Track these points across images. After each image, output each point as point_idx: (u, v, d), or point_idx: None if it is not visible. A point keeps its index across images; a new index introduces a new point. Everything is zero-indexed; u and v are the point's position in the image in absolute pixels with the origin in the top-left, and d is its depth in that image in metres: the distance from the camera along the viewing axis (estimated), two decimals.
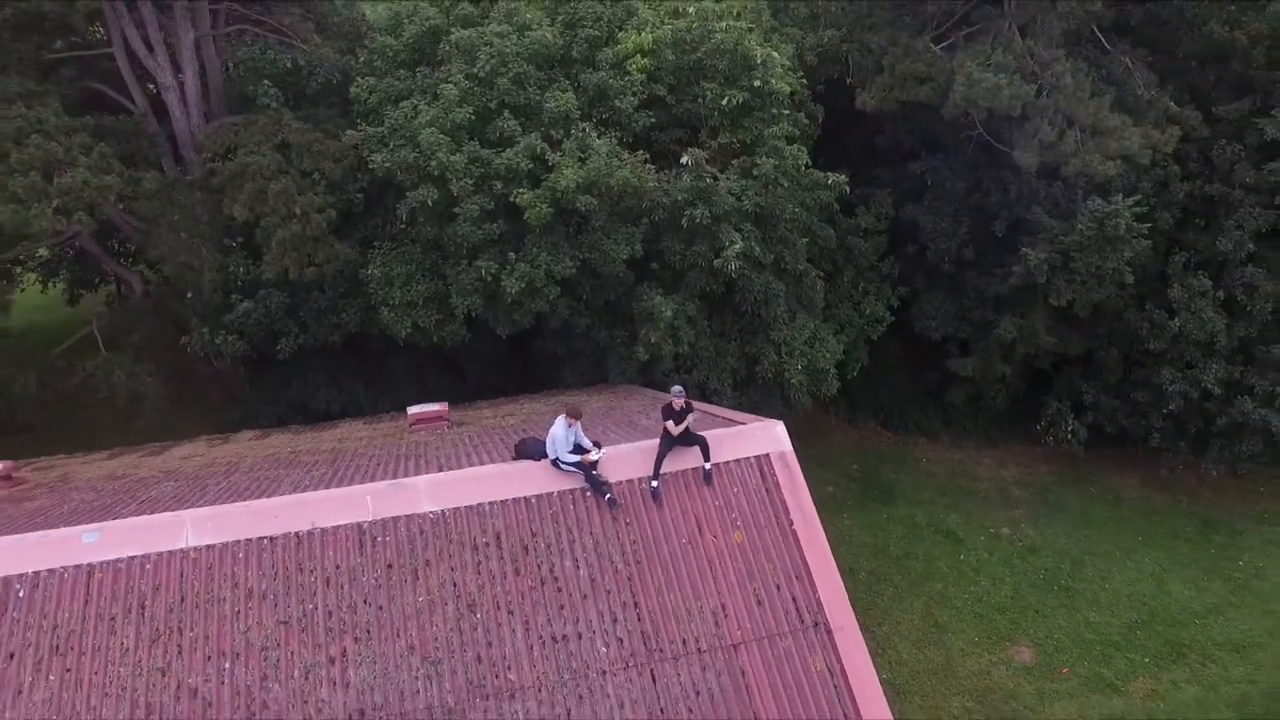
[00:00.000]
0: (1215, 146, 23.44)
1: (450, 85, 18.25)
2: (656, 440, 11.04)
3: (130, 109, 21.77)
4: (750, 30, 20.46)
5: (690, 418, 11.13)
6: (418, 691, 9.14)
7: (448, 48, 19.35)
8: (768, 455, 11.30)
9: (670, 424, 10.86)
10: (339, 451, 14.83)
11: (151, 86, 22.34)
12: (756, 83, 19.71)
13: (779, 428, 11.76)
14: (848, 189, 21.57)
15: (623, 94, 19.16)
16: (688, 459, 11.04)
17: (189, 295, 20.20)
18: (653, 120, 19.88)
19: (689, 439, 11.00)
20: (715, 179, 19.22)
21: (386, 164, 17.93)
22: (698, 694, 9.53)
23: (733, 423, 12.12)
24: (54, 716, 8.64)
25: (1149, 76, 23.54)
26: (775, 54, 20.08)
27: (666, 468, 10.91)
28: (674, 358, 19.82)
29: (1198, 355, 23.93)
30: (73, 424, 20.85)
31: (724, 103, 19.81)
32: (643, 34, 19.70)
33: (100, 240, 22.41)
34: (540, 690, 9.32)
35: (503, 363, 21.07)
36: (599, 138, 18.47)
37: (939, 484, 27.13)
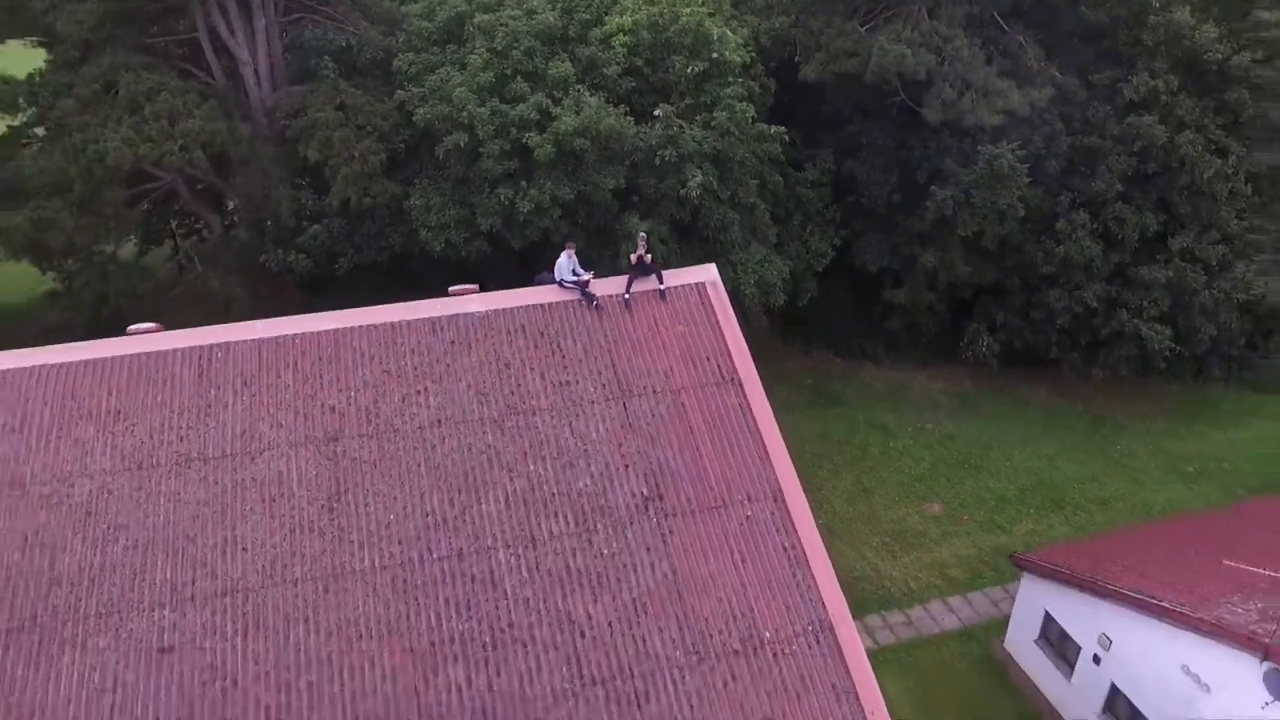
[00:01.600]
0: (1090, 107, 28.92)
1: (475, 56, 23.75)
2: (630, 271, 16.37)
3: (210, 81, 27.26)
4: (711, 14, 25.92)
5: (648, 257, 16.43)
6: (473, 410, 14.45)
7: (472, 29, 24.85)
8: (703, 283, 16.60)
9: (633, 256, 16.22)
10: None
11: (227, 63, 27.80)
12: (714, 55, 25.16)
13: (712, 268, 17.08)
14: (787, 140, 26.90)
15: (609, 64, 24.64)
16: (650, 285, 16.35)
17: (268, 223, 25.63)
18: (633, 85, 25.35)
19: (648, 269, 16.29)
20: (681, 128, 24.67)
21: (428, 115, 23.40)
22: (654, 416, 14.80)
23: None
24: (246, 421, 13.92)
25: (1038, 51, 29.04)
26: (729, 32, 25.51)
27: (635, 289, 16.19)
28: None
29: (1082, 278, 29.32)
30: (178, 324, 26.15)
31: (689, 71, 25.28)
32: (624, 17, 25.20)
33: (189, 188, 27.84)
34: (551, 412, 14.61)
35: (515, 274, 26.42)
36: (590, 97, 23.94)
37: (878, 394, 32.49)
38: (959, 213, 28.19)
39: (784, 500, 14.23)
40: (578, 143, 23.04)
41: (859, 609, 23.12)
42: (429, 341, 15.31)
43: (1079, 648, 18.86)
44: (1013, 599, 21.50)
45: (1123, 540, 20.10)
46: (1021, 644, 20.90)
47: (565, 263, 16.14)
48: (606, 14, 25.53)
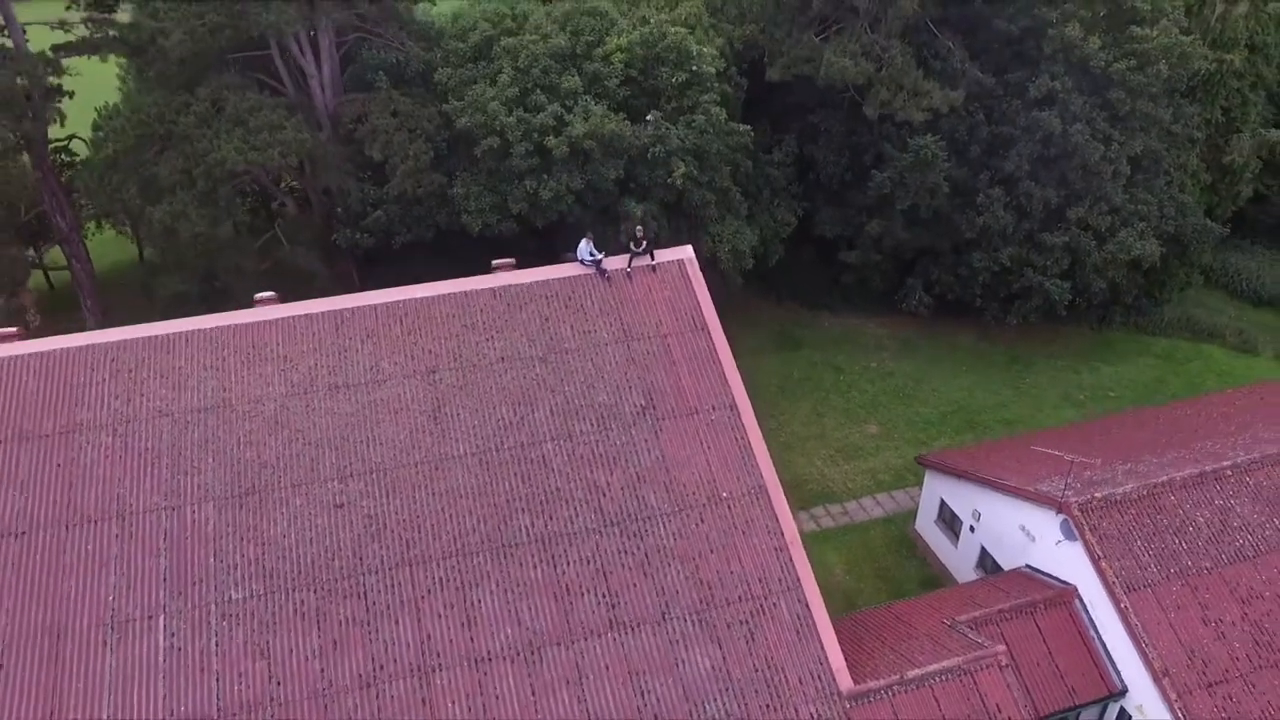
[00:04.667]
0: (1005, 101, 35.11)
1: (504, 75, 29.87)
2: (630, 251, 22.77)
3: (282, 89, 33.31)
4: (691, 31, 31.95)
5: (645, 241, 22.79)
6: (525, 350, 21.02)
7: (499, 50, 30.91)
8: (683, 259, 23.05)
9: (632, 243, 22.61)
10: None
11: (296, 75, 33.79)
12: (694, 68, 31.30)
13: (689, 249, 23.50)
14: (754, 132, 33.05)
15: (609, 78, 30.76)
16: (645, 261, 22.80)
17: (338, 209, 31.94)
18: (629, 93, 31.50)
19: (644, 250, 22.68)
20: (668, 129, 30.87)
21: (467, 124, 29.60)
22: (648, 353, 21.33)
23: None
24: (372, 360, 20.46)
25: (964, 54, 35.14)
26: (706, 49, 31.57)
27: (634, 265, 22.61)
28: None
29: (999, 242, 35.78)
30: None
31: (673, 80, 31.42)
32: (621, 38, 31.25)
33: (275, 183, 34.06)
34: (578, 351, 21.14)
35: (536, 249, 32.90)
36: (595, 105, 30.12)
37: (834, 338, 39.15)
38: (896, 190, 34.57)
39: (737, 409, 20.89)
40: (586, 144, 29.30)
41: (809, 502, 30.21)
42: (492, 304, 21.89)
43: (961, 522, 25.81)
44: None
45: (995, 447, 26.89)
46: (925, 526, 27.91)
47: (584, 247, 22.62)
48: (607, 35, 31.53)
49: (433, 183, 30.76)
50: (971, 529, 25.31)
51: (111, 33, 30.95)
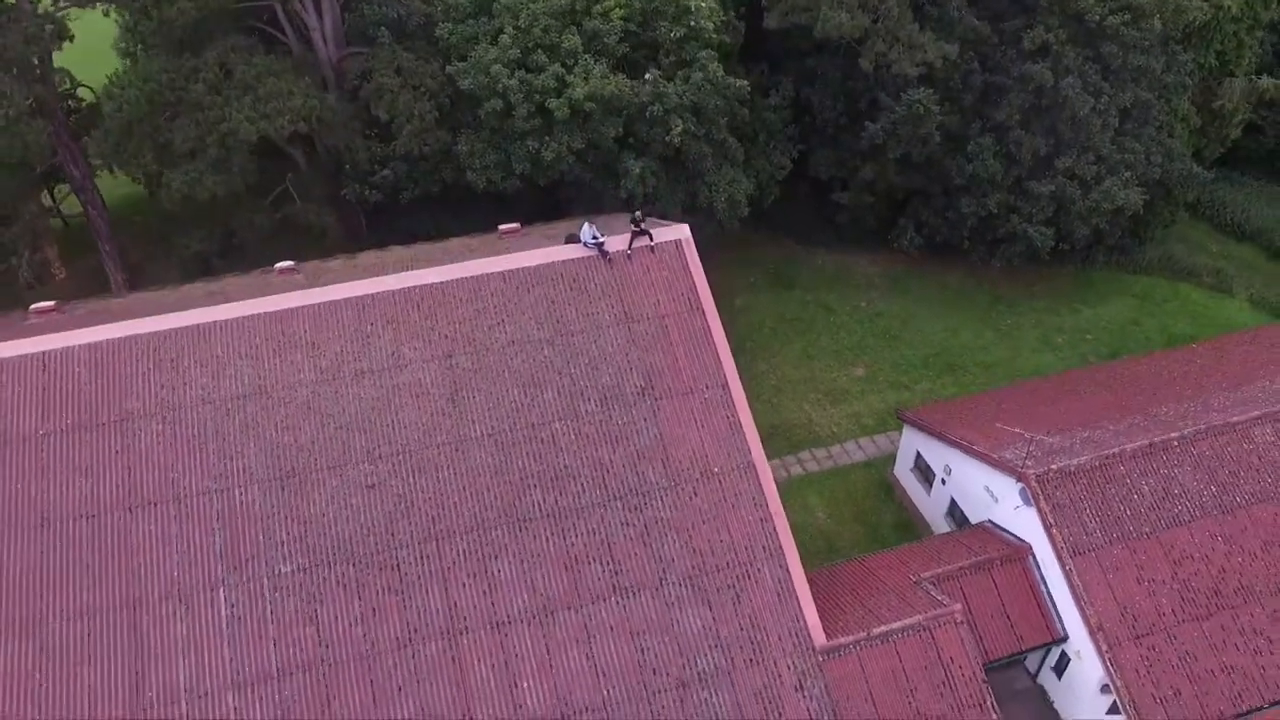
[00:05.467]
0: (999, 51, 35.41)
1: (504, 36, 30.27)
2: (630, 233, 24.09)
3: (284, 41, 33.62)
4: None
5: (644, 223, 24.08)
6: (534, 333, 22.75)
7: (499, 7, 31.14)
8: (678, 240, 24.44)
9: (633, 225, 23.95)
10: (450, 253, 27.99)
11: (299, 28, 33.99)
12: (692, 23, 31.60)
13: (685, 228, 24.78)
14: (748, 91, 33.54)
15: (608, 35, 31.14)
16: (643, 242, 24.18)
17: (346, 166, 32.86)
18: (628, 49, 31.90)
19: (642, 231, 24.00)
20: (667, 84, 31.46)
21: (471, 85, 30.22)
22: (647, 334, 23.05)
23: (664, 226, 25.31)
24: (393, 346, 22.20)
25: (961, 1, 35.19)
26: (703, 3, 31.76)
27: (634, 246, 24.01)
28: (642, 196, 32.71)
29: (987, 189, 36.79)
30: (277, 247, 33.93)
31: (671, 35, 31.79)
32: None
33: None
34: (583, 333, 22.86)
35: (538, 204, 34.01)
36: (595, 64, 30.65)
37: (826, 276, 40.64)
38: (889, 140, 35.35)
39: (729, 388, 22.80)
40: (587, 105, 30.04)
41: (796, 447, 32.56)
42: (502, 287, 23.45)
43: (934, 474, 28.16)
44: None
45: (970, 405, 28.94)
46: (902, 473, 30.30)
47: (587, 230, 23.98)
48: None
49: (438, 140, 31.63)
50: (943, 481, 27.68)
51: None
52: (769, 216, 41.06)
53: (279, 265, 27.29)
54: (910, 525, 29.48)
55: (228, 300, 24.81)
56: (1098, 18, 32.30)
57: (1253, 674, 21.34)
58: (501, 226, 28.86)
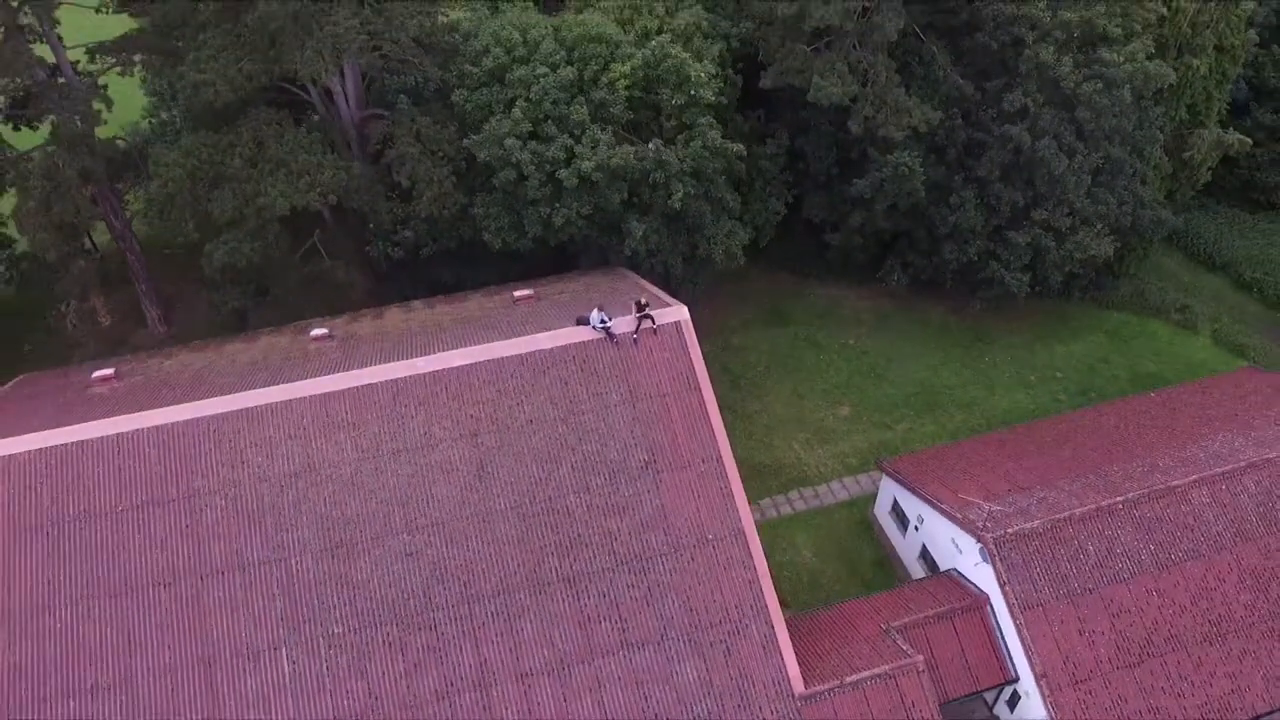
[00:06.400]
0: (982, 109, 37.74)
1: (517, 109, 32.66)
2: (635, 318, 26.81)
3: (309, 101, 35.97)
4: (688, 57, 34.30)
5: (648, 308, 26.80)
6: (549, 412, 25.58)
7: (512, 79, 33.47)
8: (678, 321, 27.19)
9: (637, 310, 26.66)
10: (470, 319, 30.71)
11: (322, 90, 36.28)
12: (692, 92, 33.96)
13: (684, 309, 27.51)
14: (744, 155, 35.89)
15: (614, 104, 33.53)
16: (647, 325, 26.93)
17: (370, 225, 35.41)
18: (633, 114, 34.28)
19: (646, 315, 26.72)
20: (668, 150, 33.88)
21: (486, 157, 32.70)
22: (650, 412, 25.94)
23: (666, 305, 27.98)
24: (425, 427, 25.04)
25: (946, 60, 37.46)
26: (703, 74, 34.05)
27: (641, 330, 26.76)
28: (645, 253, 35.31)
29: (969, 236, 39.33)
30: (307, 299, 36.62)
31: (673, 101, 34.17)
32: (625, 65, 33.72)
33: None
34: (592, 411, 25.72)
35: (549, 258, 36.63)
36: (601, 133, 33.06)
37: (817, 311, 43.24)
38: (875, 196, 37.85)
39: (721, 462, 25.71)
40: (594, 175, 32.55)
41: (785, 487, 35.55)
42: (520, 370, 26.27)
43: (909, 520, 31.19)
44: None
45: (940, 456, 31.82)
46: (881, 514, 33.34)
47: (595, 315, 26.72)
48: (610, 61, 33.96)
49: (455, 204, 34.15)
50: (916, 528, 30.71)
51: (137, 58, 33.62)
52: (765, 251, 43.54)
53: (314, 333, 30.13)
54: (887, 562, 32.58)
55: (269, 369, 27.84)
56: (1073, 84, 34.58)
57: (1174, 714, 24.54)
58: (515, 293, 31.63)
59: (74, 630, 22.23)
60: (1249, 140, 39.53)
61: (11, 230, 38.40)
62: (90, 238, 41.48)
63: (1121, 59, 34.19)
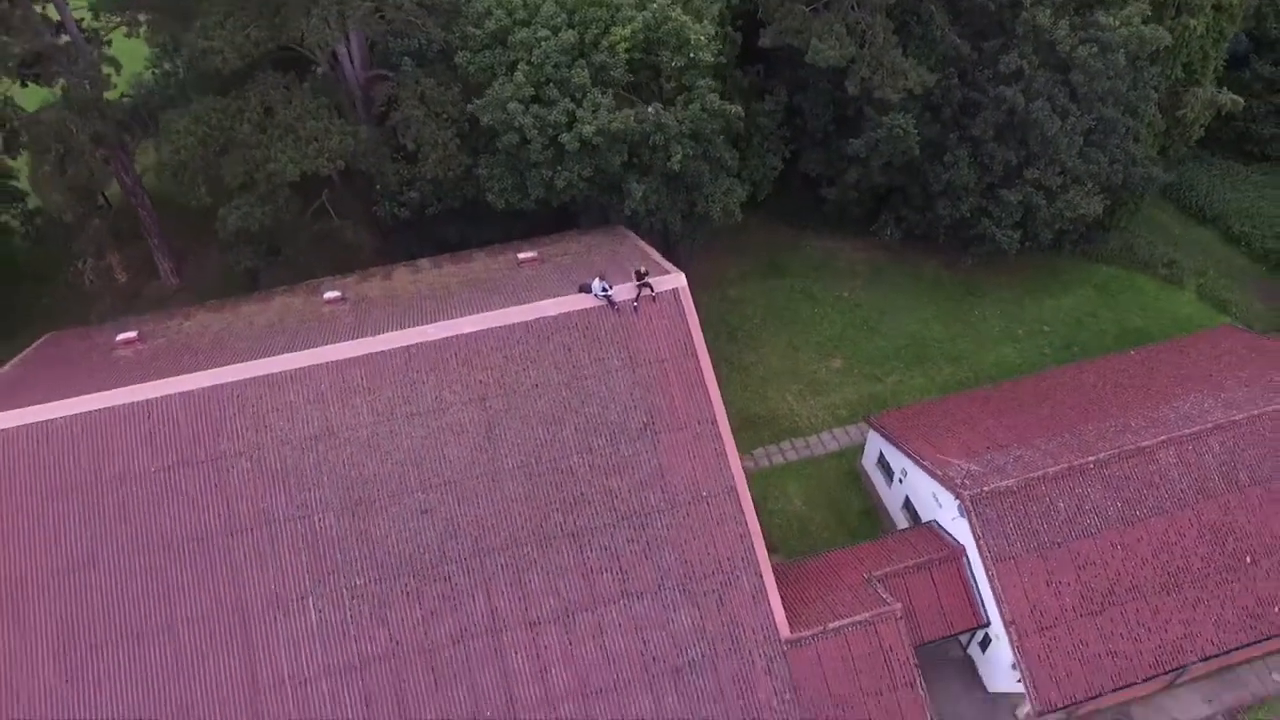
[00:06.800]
0: (978, 69, 38.12)
1: (519, 72, 33.22)
2: (635, 285, 28.01)
3: (316, 62, 36.43)
4: (688, 20, 34.62)
5: (647, 277, 28.00)
6: (553, 377, 27.03)
7: (514, 41, 33.93)
8: (676, 289, 28.42)
9: (637, 279, 27.85)
10: (476, 281, 31.91)
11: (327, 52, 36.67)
12: (691, 55, 34.42)
13: (681, 277, 28.69)
14: (743, 117, 36.48)
15: (615, 68, 34.04)
16: (646, 293, 28.16)
17: (377, 186, 36.29)
18: (633, 76, 34.81)
19: (646, 284, 27.94)
20: (668, 113, 34.52)
21: (490, 121, 33.40)
22: (649, 376, 27.36)
23: (665, 272, 29.15)
24: (436, 391, 26.52)
25: (944, 19, 37.70)
26: (702, 36, 34.44)
27: (641, 299, 27.99)
28: (645, 212, 36.24)
29: (962, 194, 40.17)
30: (318, 256, 37.72)
31: (673, 64, 34.67)
32: (625, 28, 34.11)
33: None
34: (594, 376, 27.13)
35: (551, 217, 37.58)
36: (602, 96, 33.68)
37: (814, 263, 44.31)
38: (870, 155, 38.55)
39: (716, 424, 27.27)
40: (595, 138, 33.31)
41: (778, 437, 37.24)
42: (525, 336, 27.63)
43: (894, 472, 32.94)
44: None
45: (926, 412, 33.39)
46: (869, 465, 35.11)
47: (597, 284, 27.94)
48: (611, 25, 34.33)
49: (460, 165, 34.99)
50: (900, 480, 32.49)
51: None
52: (763, 204, 44.40)
53: (327, 295, 31.41)
54: (874, 512, 34.47)
55: (285, 332, 29.22)
56: (1068, 48, 34.99)
57: (1131, 657, 26.65)
58: (520, 255, 32.78)
59: (118, 583, 24.13)
60: (1240, 100, 39.92)
61: (24, 185, 39.30)
62: (104, 194, 42.35)
63: (1117, 23, 34.51)
